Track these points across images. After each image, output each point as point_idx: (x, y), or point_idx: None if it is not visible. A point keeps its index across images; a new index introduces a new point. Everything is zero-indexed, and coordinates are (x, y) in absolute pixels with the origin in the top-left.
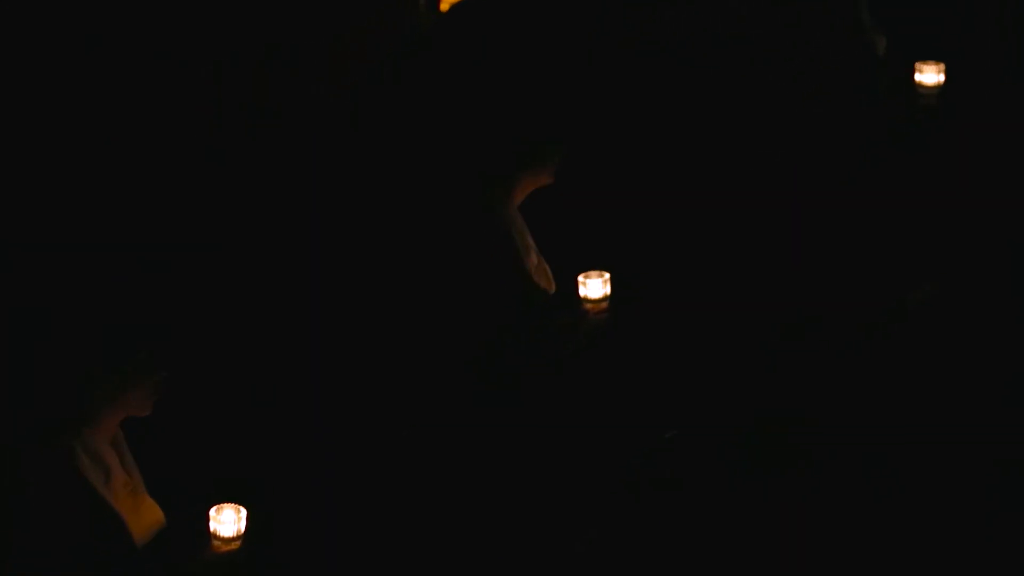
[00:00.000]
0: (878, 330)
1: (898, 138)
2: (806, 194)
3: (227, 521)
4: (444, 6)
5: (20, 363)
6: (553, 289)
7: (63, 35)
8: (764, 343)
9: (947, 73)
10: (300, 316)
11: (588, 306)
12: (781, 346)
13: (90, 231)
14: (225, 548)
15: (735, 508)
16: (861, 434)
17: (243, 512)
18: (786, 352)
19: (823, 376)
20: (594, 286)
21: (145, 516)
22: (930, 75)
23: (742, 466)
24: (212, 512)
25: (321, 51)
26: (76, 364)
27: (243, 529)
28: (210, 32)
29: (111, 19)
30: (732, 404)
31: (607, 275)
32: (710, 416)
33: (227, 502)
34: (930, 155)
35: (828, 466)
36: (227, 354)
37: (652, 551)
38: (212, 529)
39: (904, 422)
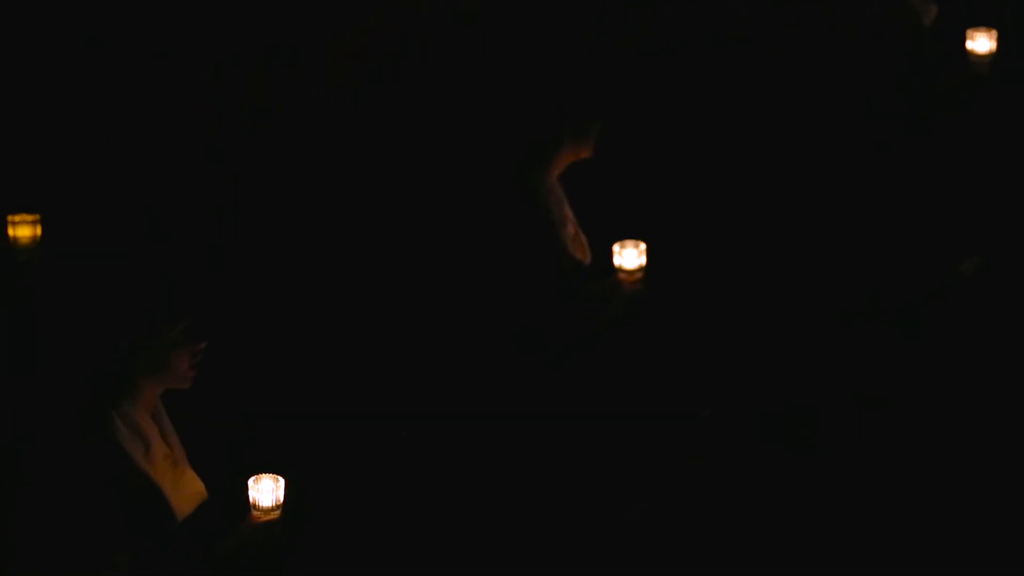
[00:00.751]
0: (927, 303)
1: (949, 107)
2: (853, 165)
3: (265, 491)
4: None
5: (59, 337)
6: (589, 260)
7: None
8: (804, 318)
9: (999, 40)
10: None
11: (623, 276)
12: (822, 322)
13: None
14: (264, 518)
15: (767, 487)
16: (905, 413)
17: (281, 482)
18: (828, 328)
19: (866, 352)
20: (629, 255)
21: (186, 488)
22: (982, 43)
23: (776, 445)
24: (250, 482)
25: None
26: (116, 336)
27: (281, 499)
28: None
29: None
30: (768, 381)
31: (643, 245)
32: (745, 393)
33: (265, 472)
34: (982, 124)
35: (870, 446)
36: (261, 329)
37: (685, 527)
38: (251, 499)
39: (953, 398)
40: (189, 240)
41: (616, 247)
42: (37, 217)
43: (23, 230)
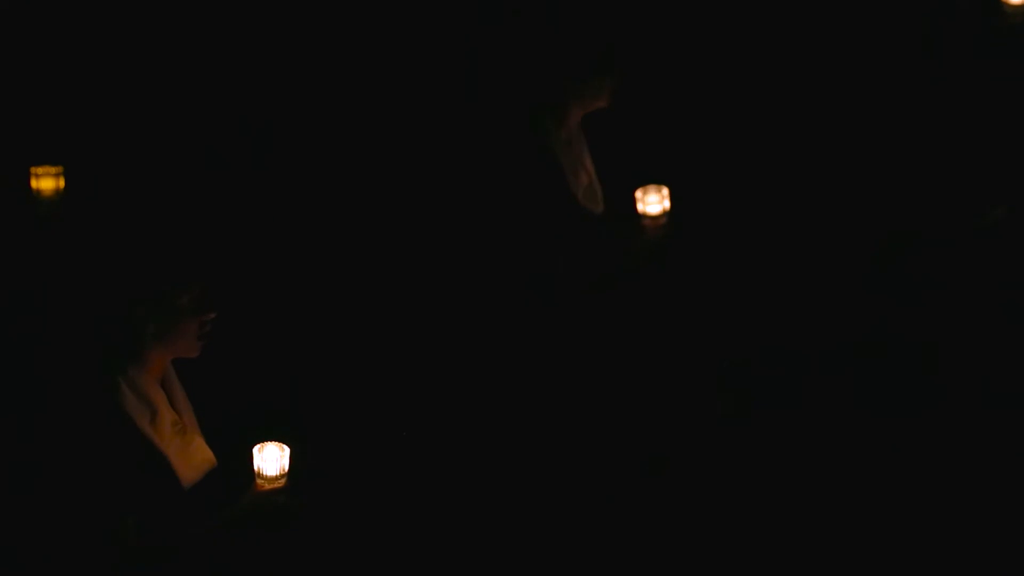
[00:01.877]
0: (955, 248)
1: (981, 55)
2: (882, 108)
3: (270, 459)
4: None
5: (66, 302)
6: (600, 209)
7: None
8: (829, 263)
9: None
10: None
11: (646, 222)
12: (843, 267)
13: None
14: (269, 487)
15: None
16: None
17: (286, 450)
18: (848, 274)
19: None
20: (652, 201)
21: (194, 456)
22: None
23: (787, 394)
24: (255, 450)
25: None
26: (124, 302)
27: (287, 467)
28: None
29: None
30: (786, 327)
31: (665, 190)
32: (763, 339)
33: (270, 440)
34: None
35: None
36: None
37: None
38: (256, 468)
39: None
40: (207, 206)
41: (639, 193)
42: (60, 169)
43: (46, 182)
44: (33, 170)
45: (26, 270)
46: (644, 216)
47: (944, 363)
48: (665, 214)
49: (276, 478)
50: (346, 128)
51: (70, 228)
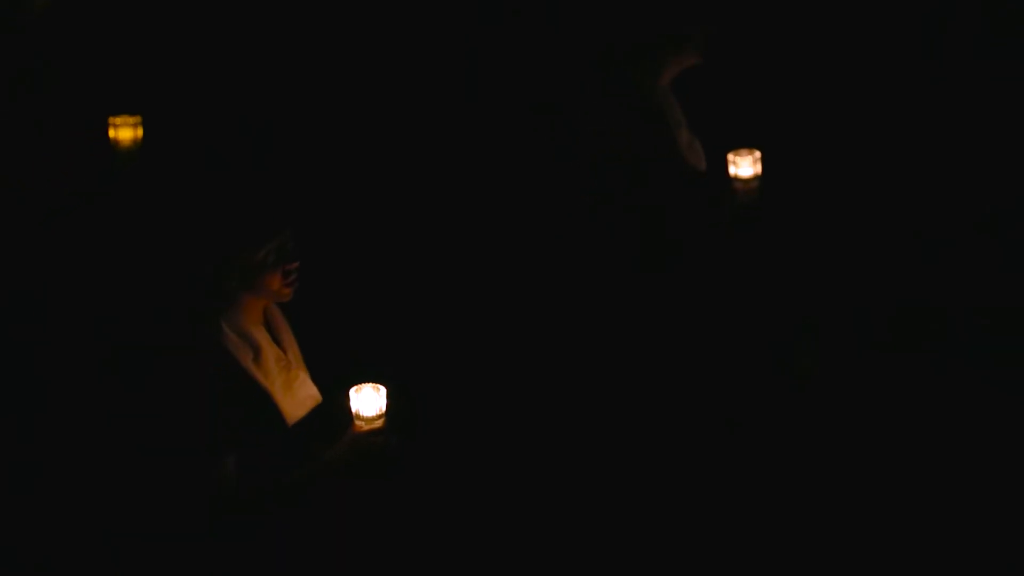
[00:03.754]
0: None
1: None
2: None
3: (368, 400)
4: None
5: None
6: (704, 167)
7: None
8: (920, 227)
9: None
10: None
11: (738, 184)
12: (936, 234)
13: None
14: (367, 427)
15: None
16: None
17: (383, 391)
18: (944, 235)
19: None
20: (744, 164)
21: (298, 392)
22: None
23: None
24: (352, 392)
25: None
26: (217, 249)
27: (384, 408)
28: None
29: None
30: (876, 293)
31: (758, 153)
32: (849, 303)
33: (367, 381)
34: None
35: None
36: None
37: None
38: (353, 409)
39: None
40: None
41: (731, 155)
42: (138, 119)
43: (124, 132)
44: (111, 120)
45: (104, 219)
46: (736, 179)
47: None
48: (757, 178)
49: (374, 419)
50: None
51: (148, 178)
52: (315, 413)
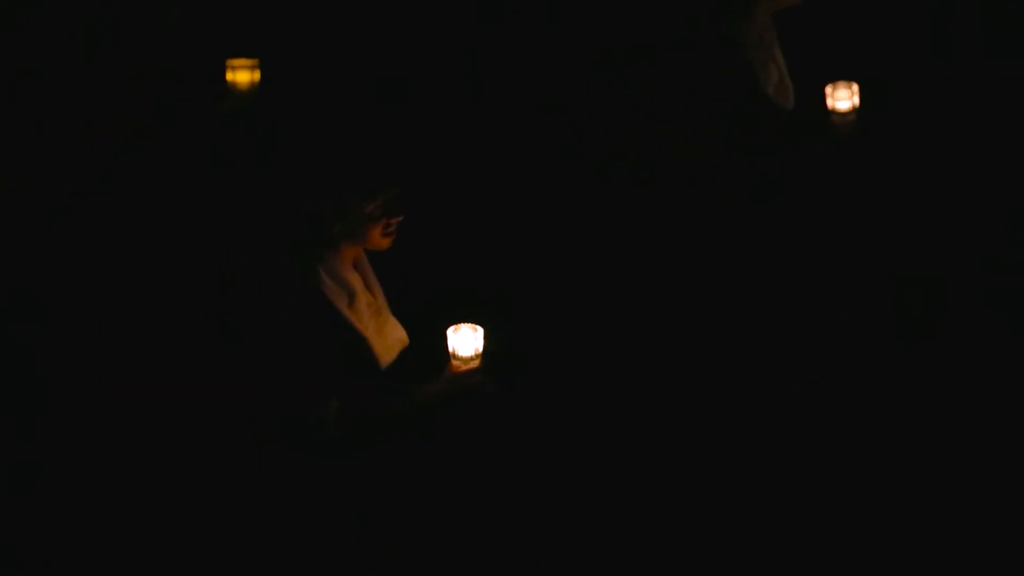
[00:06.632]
0: None
1: None
2: None
3: (465, 340)
4: None
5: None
6: (791, 106)
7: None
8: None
9: None
10: None
11: (834, 119)
12: None
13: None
14: (464, 367)
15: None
16: None
17: (479, 331)
18: None
19: None
20: (842, 97)
21: (389, 336)
22: None
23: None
24: (450, 332)
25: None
26: (320, 196)
27: (480, 348)
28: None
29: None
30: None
31: (855, 86)
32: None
33: (464, 322)
34: None
35: None
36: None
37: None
38: (451, 348)
39: None
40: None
41: (828, 88)
42: (256, 62)
43: (242, 75)
44: (229, 63)
45: (220, 161)
46: (833, 112)
47: None
48: (854, 111)
49: (470, 359)
50: None
51: (264, 121)
52: (408, 351)
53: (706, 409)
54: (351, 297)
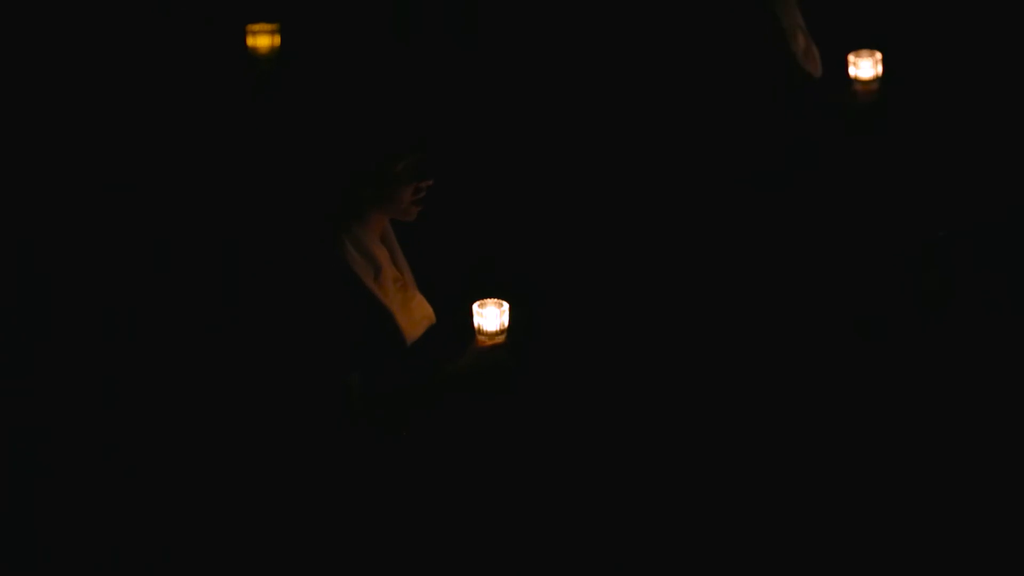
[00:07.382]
0: None
1: None
2: None
3: (491, 316)
4: None
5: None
6: (819, 73)
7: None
8: None
9: None
10: None
11: (858, 87)
12: None
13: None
14: (489, 342)
15: None
16: None
17: (505, 307)
18: None
19: None
20: (865, 66)
21: (415, 312)
22: None
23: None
24: (475, 307)
25: None
26: (347, 165)
27: (506, 324)
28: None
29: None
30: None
31: (878, 54)
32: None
33: (490, 298)
34: None
35: None
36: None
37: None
38: (476, 324)
39: None
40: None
41: (851, 57)
42: (276, 26)
43: (262, 40)
44: (249, 27)
45: (242, 128)
46: (856, 80)
47: None
48: (877, 79)
49: (496, 334)
50: None
51: (285, 86)
52: (435, 327)
53: (717, 400)
54: (377, 271)
